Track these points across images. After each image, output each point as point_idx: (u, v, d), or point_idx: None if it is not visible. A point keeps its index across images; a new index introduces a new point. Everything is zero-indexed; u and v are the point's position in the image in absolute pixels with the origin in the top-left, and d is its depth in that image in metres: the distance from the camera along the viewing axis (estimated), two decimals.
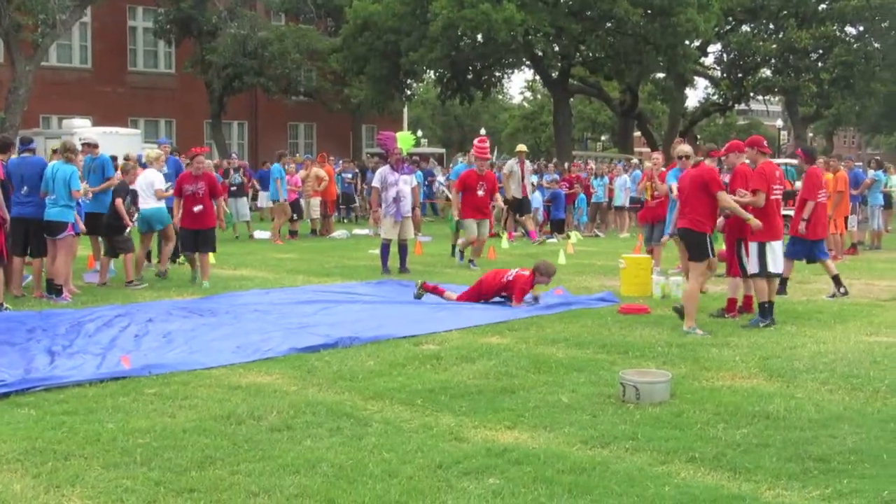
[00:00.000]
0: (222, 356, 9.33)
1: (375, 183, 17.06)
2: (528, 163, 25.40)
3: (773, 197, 11.21)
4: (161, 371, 8.66)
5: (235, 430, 6.85)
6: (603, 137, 79.81)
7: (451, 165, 44.73)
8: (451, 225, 20.04)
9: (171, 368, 8.78)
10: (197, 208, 14.62)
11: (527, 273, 12.78)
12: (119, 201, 14.60)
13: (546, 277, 12.77)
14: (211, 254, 15.19)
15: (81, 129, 33.70)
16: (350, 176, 32.20)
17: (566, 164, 34.29)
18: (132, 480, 5.79)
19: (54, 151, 15.04)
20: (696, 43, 43.00)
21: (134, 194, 15.29)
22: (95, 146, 15.77)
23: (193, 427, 6.88)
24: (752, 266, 11.28)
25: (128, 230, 14.78)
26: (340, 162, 34.32)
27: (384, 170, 16.82)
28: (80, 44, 47.71)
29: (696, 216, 10.95)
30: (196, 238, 14.78)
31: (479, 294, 13.03)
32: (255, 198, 31.24)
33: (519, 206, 24.02)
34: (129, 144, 32.98)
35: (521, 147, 25.00)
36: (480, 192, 17.39)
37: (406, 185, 16.52)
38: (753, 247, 11.22)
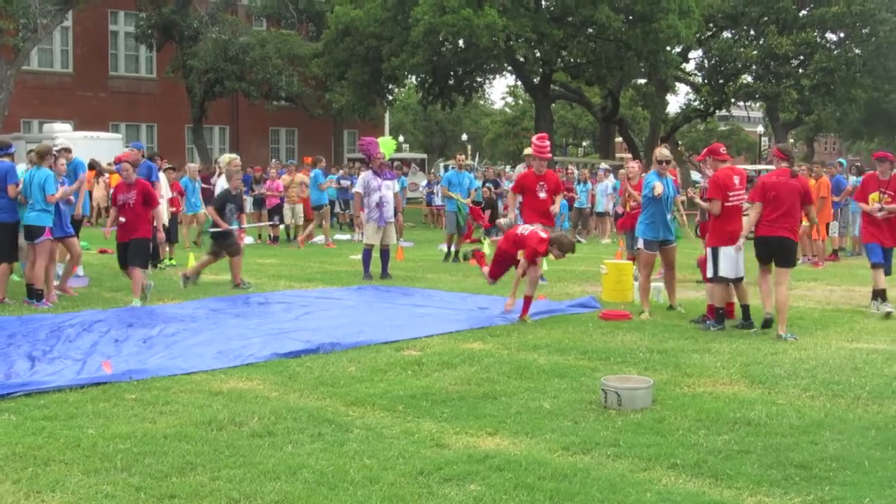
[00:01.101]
0: (203, 361, 9.30)
1: (358, 188, 17.04)
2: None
3: (728, 204, 11.35)
4: (142, 376, 8.62)
5: (216, 435, 6.83)
6: (584, 143, 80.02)
7: (432, 171, 44.82)
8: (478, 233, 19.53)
9: (152, 374, 8.73)
10: (121, 219, 13.56)
11: (544, 235, 12.32)
12: (211, 208, 15.24)
13: (560, 252, 12.09)
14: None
15: (62, 133, 33.57)
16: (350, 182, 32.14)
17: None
18: (113, 486, 5.76)
19: (29, 154, 14.92)
20: (678, 49, 43.12)
21: (237, 201, 15.75)
22: (69, 150, 15.65)
23: (174, 433, 6.86)
24: (708, 270, 11.66)
25: (233, 235, 15.30)
26: (341, 171, 34.12)
27: (367, 175, 16.80)
28: (62, 48, 47.60)
29: (795, 225, 11.29)
30: (125, 251, 13.59)
31: (505, 259, 12.81)
32: None
33: None
34: (111, 149, 32.91)
35: (530, 150, 24.43)
36: (542, 195, 15.47)
37: (389, 190, 16.51)
38: (708, 252, 11.62)
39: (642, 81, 48.25)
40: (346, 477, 5.93)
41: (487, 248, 20.40)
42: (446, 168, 43.12)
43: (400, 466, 6.15)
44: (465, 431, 6.97)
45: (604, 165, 32.63)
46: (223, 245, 15.20)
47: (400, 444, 6.65)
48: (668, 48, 39.85)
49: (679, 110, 55.41)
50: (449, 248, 20.41)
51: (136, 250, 13.38)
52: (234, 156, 16.66)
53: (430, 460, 6.27)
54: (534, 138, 16.32)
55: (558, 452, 6.49)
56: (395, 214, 17.12)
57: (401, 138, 68.93)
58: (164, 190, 17.61)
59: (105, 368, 8.74)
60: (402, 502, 5.53)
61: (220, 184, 15.62)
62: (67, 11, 40.01)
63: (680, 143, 57.28)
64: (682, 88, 55.72)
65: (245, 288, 14.82)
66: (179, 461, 6.22)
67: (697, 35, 41.86)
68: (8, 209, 13.28)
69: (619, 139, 55.27)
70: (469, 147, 71.40)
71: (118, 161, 15.24)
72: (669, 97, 54.79)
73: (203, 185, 24.60)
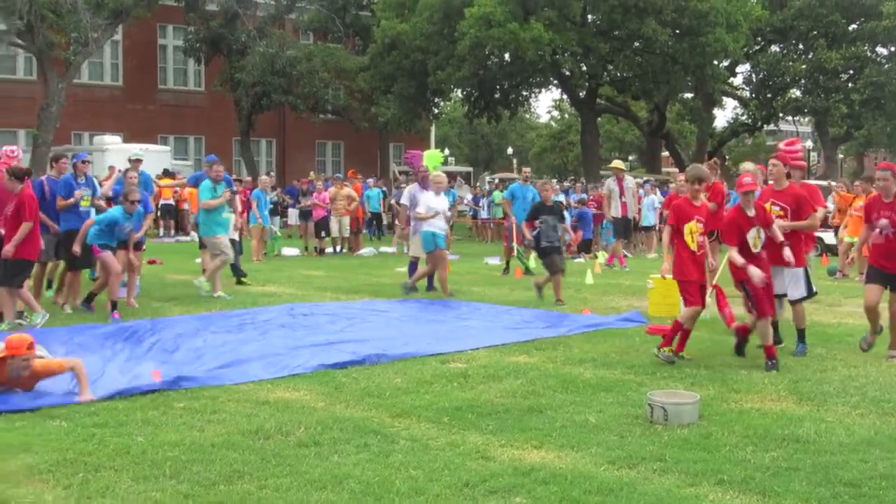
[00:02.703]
0: (250, 371, 9.38)
1: (404, 201, 17.09)
2: (629, 178, 23.48)
3: None
4: (190, 385, 8.71)
5: (263, 444, 6.88)
6: (630, 157, 79.70)
7: (477, 184, 44.78)
8: (521, 259, 19.43)
9: (200, 383, 8.82)
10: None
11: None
12: None
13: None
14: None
15: (112, 145, 34.03)
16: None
17: (587, 184, 34.21)
18: (161, 493, 5.82)
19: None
20: (725, 63, 42.91)
21: None
22: (139, 161, 15.88)
23: (222, 441, 6.92)
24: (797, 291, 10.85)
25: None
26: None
27: (413, 188, 16.85)
28: (112, 61, 48.18)
29: None
30: None
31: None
32: (284, 214, 31.43)
33: (622, 228, 22.72)
34: (159, 161, 33.29)
35: (618, 163, 23.71)
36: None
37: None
38: (801, 272, 10.86)
39: (689, 95, 48.07)
40: (392, 488, 5.95)
41: (533, 263, 20.38)
42: (492, 182, 43.15)
43: (445, 478, 6.15)
44: (510, 444, 6.97)
45: (650, 180, 32.50)
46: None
47: (445, 455, 6.66)
48: (716, 62, 39.68)
49: (726, 125, 55.14)
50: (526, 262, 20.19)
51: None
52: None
53: (476, 472, 6.27)
54: (782, 144, 13.02)
55: (604, 466, 6.47)
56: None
57: (446, 151, 69.02)
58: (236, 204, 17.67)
59: (154, 377, 8.83)
60: None
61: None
62: (118, 25, 40.53)
63: (727, 157, 56.86)
64: (730, 103, 55.28)
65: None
66: (227, 469, 6.27)
67: (745, 49, 41.66)
68: (74, 218, 13.56)
69: (665, 153, 55.01)
70: (515, 161, 71.35)
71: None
72: (716, 111, 54.50)
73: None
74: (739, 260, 9.77)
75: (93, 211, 14.29)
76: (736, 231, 9.93)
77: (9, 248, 12.19)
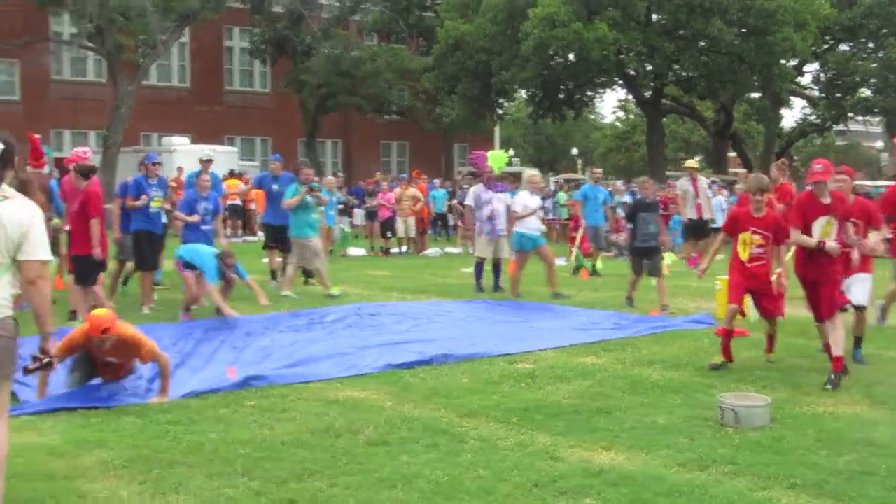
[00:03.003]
0: (319, 370, 9.45)
1: (469, 201, 17.11)
2: (702, 179, 22.76)
3: None
4: (260, 384, 8.80)
5: (333, 443, 6.93)
6: (696, 157, 78.97)
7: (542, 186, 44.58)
8: (578, 260, 19.27)
9: (270, 381, 8.91)
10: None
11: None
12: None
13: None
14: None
15: (180, 146, 34.43)
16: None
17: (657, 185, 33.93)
18: (234, 489, 5.89)
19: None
20: (793, 62, 42.35)
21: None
22: (210, 161, 16.08)
23: (292, 439, 6.99)
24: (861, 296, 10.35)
25: None
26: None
27: (478, 188, 16.86)
28: (179, 63, 48.75)
29: None
30: None
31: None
32: (350, 215, 31.59)
33: (695, 229, 22.01)
34: (227, 161, 33.63)
35: (692, 162, 23.23)
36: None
37: (501, 202, 16.52)
38: (869, 277, 10.53)
39: (756, 95, 47.50)
40: (462, 487, 5.96)
41: (601, 264, 20.30)
42: (556, 182, 43.01)
43: (515, 478, 6.16)
44: (579, 445, 6.95)
45: (717, 180, 32.17)
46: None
47: (514, 456, 6.66)
48: (783, 61, 39.16)
49: (794, 125, 54.41)
50: (593, 263, 20.08)
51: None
52: None
53: (545, 473, 6.27)
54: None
55: (674, 469, 6.43)
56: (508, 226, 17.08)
57: (511, 152, 68.92)
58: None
59: (229, 375, 8.93)
60: None
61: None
62: (185, 28, 41.00)
63: (795, 158, 56.17)
64: (798, 102, 54.54)
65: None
66: (298, 467, 6.33)
67: (813, 48, 41.06)
68: (143, 219, 13.77)
69: (732, 154, 54.45)
70: (580, 161, 71.07)
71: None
72: (784, 111, 53.79)
73: None
74: (807, 240, 9.25)
75: (163, 213, 14.47)
76: (799, 213, 9.42)
77: (97, 249, 12.43)
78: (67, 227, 13.41)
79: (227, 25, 48.57)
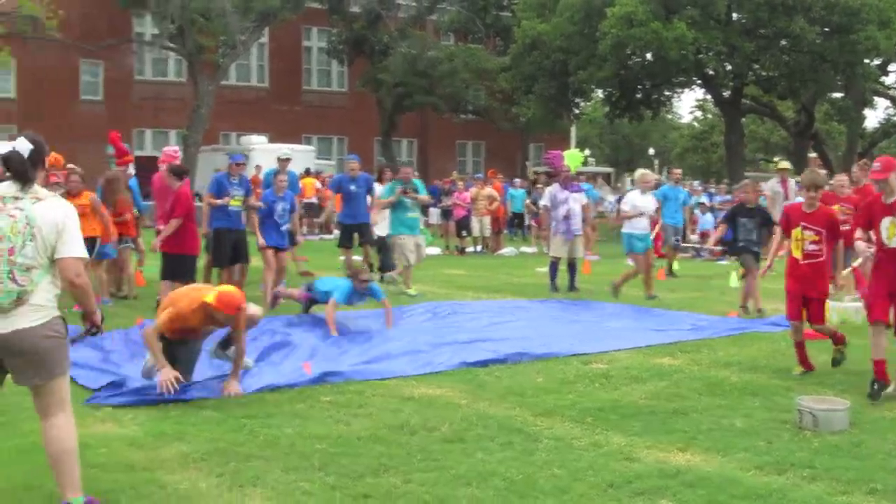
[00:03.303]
0: (395, 367, 9.50)
1: (545, 201, 17.08)
2: (791, 181, 21.60)
3: None
4: (336, 380, 8.87)
5: (408, 439, 6.97)
6: (776, 158, 77.98)
7: (618, 184, 44.42)
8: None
9: (346, 377, 8.98)
10: None
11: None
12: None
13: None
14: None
15: (259, 145, 34.82)
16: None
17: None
18: (310, 483, 5.96)
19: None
20: (877, 61, 41.60)
21: None
22: (288, 160, 16.29)
23: (368, 435, 7.04)
24: None
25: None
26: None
27: (554, 188, 16.83)
28: (258, 63, 49.30)
29: None
30: None
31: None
32: (426, 214, 31.66)
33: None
34: (304, 160, 33.94)
35: (784, 164, 22.54)
36: None
37: (576, 202, 16.47)
38: None
39: (838, 95, 46.73)
40: (536, 486, 5.96)
41: (677, 265, 20.14)
42: (633, 182, 42.73)
43: (590, 478, 6.14)
44: (655, 446, 6.91)
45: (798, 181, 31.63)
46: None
47: (589, 455, 6.64)
48: (867, 60, 38.49)
49: (878, 125, 53.47)
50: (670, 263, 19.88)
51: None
52: None
53: (620, 473, 6.24)
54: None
55: (751, 472, 6.36)
56: (584, 226, 17.02)
57: (587, 152, 68.53)
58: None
59: (305, 370, 9.02)
60: None
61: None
62: (264, 28, 41.48)
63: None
64: (882, 102, 53.60)
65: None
66: (373, 463, 6.38)
67: None
68: (223, 217, 13.98)
69: (812, 155, 53.67)
70: (656, 161, 70.53)
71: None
72: (867, 111, 52.94)
73: None
74: (859, 244, 8.97)
75: (242, 212, 14.66)
76: (863, 213, 9.15)
77: (156, 242, 12.89)
78: (160, 226, 13.75)
79: (305, 25, 48.99)
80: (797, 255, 9.59)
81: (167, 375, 7.82)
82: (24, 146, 5.32)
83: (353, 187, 16.81)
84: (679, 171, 22.77)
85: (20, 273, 5.15)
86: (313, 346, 10.54)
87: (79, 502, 5.37)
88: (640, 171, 16.31)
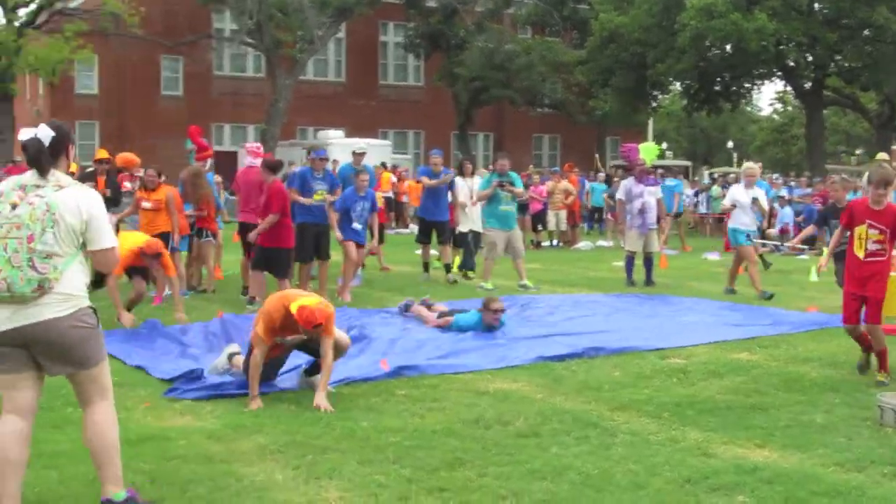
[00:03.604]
0: (470, 362, 9.50)
1: (620, 195, 16.99)
2: None
3: None
4: (411, 374, 8.91)
5: (483, 433, 6.98)
6: (858, 151, 76.68)
7: (696, 178, 43.97)
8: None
9: (421, 371, 9.02)
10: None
11: None
12: None
13: None
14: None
15: (336, 139, 35.09)
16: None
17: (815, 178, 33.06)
18: (385, 476, 5.99)
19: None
20: None
21: None
22: (363, 154, 16.39)
23: (442, 429, 7.05)
24: None
25: None
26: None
27: (629, 182, 16.73)
28: (335, 58, 49.68)
29: None
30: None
31: None
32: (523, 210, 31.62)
33: None
34: (380, 155, 34.12)
35: (883, 156, 21.32)
36: None
37: (651, 196, 16.35)
38: None
39: None
40: (612, 481, 5.94)
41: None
42: (711, 175, 42.29)
43: (666, 473, 6.10)
44: (732, 442, 6.84)
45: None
46: None
47: (666, 451, 6.60)
48: None
49: None
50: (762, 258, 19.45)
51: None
52: None
53: (697, 469, 6.19)
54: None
55: (831, 468, 6.27)
56: (659, 221, 16.86)
57: (664, 145, 67.96)
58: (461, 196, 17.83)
59: (382, 366, 9.08)
60: None
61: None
62: (341, 23, 41.80)
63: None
64: None
65: None
66: (448, 456, 6.39)
67: None
68: (305, 211, 14.14)
69: (882, 155, 52.69)
70: (735, 155, 69.72)
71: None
72: None
73: None
74: None
75: (326, 207, 14.78)
76: (848, 215, 9.02)
77: (252, 235, 13.12)
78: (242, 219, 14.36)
79: (381, 20, 49.26)
80: (859, 253, 9.04)
81: (255, 405, 7.77)
82: (45, 133, 5.23)
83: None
84: (759, 164, 22.35)
85: (40, 261, 5.03)
86: (390, 340, 10.58)
87: (120, 497, 5.32)
88: (746, 165, 15.89)
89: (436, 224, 16.89)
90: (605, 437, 6.90)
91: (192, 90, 45.92)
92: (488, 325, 11.06)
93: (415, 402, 7.91)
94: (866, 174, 9.29)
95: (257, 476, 6.02)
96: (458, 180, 17.62)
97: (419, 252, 17.85)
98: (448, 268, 16.81)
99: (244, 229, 14.42)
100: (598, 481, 5.92)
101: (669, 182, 27.73)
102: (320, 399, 7.72)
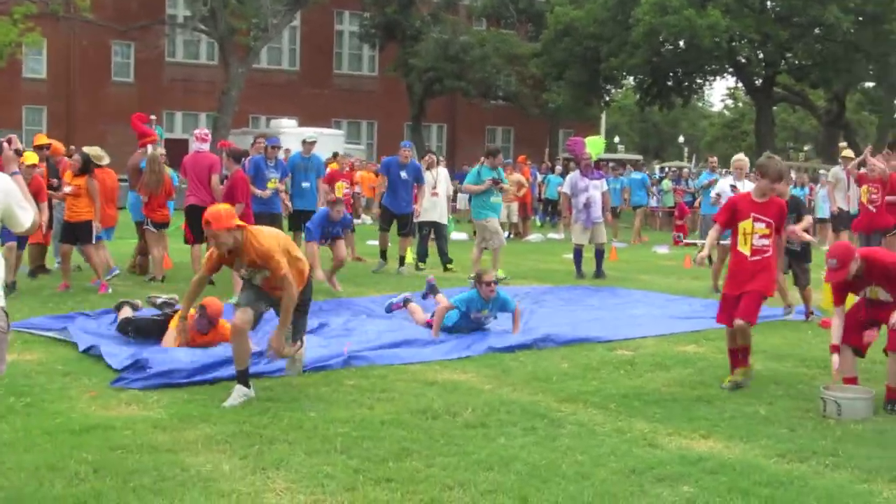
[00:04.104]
0: (420, 353, 9.51)
1: (566, 189, 17.05)
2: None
3: None
4: (360, 363, 8.91)
5: (431, 424, 6.99)
6: (806, 147, 77.53)
7: (648, 173, 44.18)
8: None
9: (370, 361, 9.02)
10: None
11: None
12: None
13: None
14: None
15: (288, 129, 34.92)
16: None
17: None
18: (332, 467, 5.98)
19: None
20: None
21: None
22: (312, 143, 16.37)
23: (391, 419, 7.06)
24: None
25: None
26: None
27: (574, 175, 16.82)
28: (290, 47, 49.45)
29: None
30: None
31: None
32: (454, 199, 31.64)
33: (844, 220, 19.61)
34: (333, 144, 34.01)
35: (848, 152, 20.54)
36: None
37: (596, 190, 16.44)
38: None
39: (870, 84, 46.44)
40: (559, 471, 5.98)
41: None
42: (662, 169, 42.61)
43: (612, 464, 6.15)
44: (677, 433, 6.91)
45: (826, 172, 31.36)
46: None
47: (612, 441, 6.65)
48: None
49: None
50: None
51: None
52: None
53: (643, 459, 6.25)
54: None
55: (774, 459, 6.36)
56: (604, 213, 16.82)
57: (616, 139, 68.34)
58: (440, 187, 17.80)
59: (345, 351, 9.10)
60: (614, 499, 5.53)
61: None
62: (296, 11, 41.55)
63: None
64: None
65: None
66: (396, 447, 6.40)
67: None
68: (260, 201, 14.15)
69: (843, 144, 53.31)
70: (686, 149, 70.26)
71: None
72: None
73: None
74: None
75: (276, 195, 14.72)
76: (728, 209, 8.64)
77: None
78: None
79: (337, 9, 49.10)
80: (745, 250, 8.45)
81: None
82: None
83: (402, 174, 16.58)
84: (715, 158, 22.56)
85: None
86: (348, 332, 10.45)
87: None
88: (735, 157, 15.72)
89: (400, 216, 16.72)
90: (551, 428, 6.94)
91: (143, 76, 45.50)
92: (485, 297, 10.67)
93: (363, 393, 7.91)
94: (757, 164, 8.75)
95: (204, 466, 5.98)
96: (427, 174, 17.46)
97: (375, 242, 17.77)
98: (402, 260, 16.76)
99: (194, 212, 14.11)
100: (544, 472, 5.95)
101: (635, 175, 27.97)
102: (275, 337, 7.67)
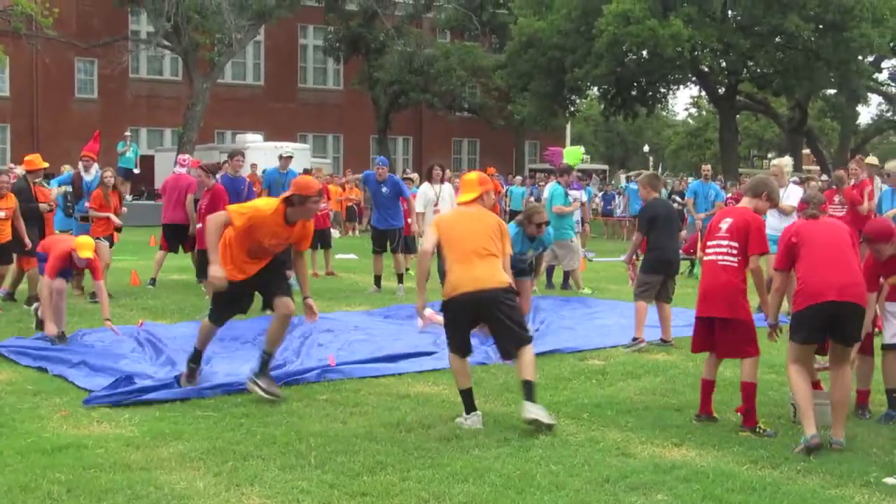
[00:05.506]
0: (392, 365, 9.50)
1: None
2: (877, 179, 17.77)
3: None
4: (333, 377, 8.91)
5: (405, 437, 7.01)
6: (770, 155, 78.10)
7: (612, 182, 44.41)
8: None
9: (344, 375, 9.01)
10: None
11: None
12: None
13: None
14: None
15: (254, 143, 34.82)
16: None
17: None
18: (307, 482, 5.98)
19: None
20: (870, 58, 41.73)
21: None
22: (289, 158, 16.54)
23: (364, 433, 7.07)
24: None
25: None
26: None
27: (551, 186, 16.85)
28: (254, 61, 49.33)
29: None
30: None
31: None
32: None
33: None
34: (300, 159, 33.92)
35: (871, 159, 18.17)
36: None
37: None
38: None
39: (832, 92, 46.88)
40: (533, 482, 6.01)
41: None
42: (628, 179, 42.78)
43: (585, 474, 6.18)
44: (650, 441, 6.96)
45: (793, 178, 31.56)
46: None
47: (585, 451, 6.68)
48: (861, 57, 38.64)
49: (871, 121, 53.64)
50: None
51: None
52: None
53: (616, 469, 6.29)
54: None
55: (746, 466, 6.42)
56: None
57: (581, 149, 68.44)
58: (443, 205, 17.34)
59: (330, 362, 9.11)
60: None
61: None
62: (260, 26, 41.47)
63: (871, 155, 55.26)
64: (875, 99, 53.74)
65: None
66: (370, 461, 6.41)
67: (891, 44, 40.44)
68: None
69: (806, 151, 53.79)
70: (651, 158, 70.59)
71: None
72: (861, 108, 53.08)
73: None
74: None
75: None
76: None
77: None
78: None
79: (301, 24, 49.02)
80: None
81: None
82: None
83: (384, 190, 15.83)
84: (708, 167, 22.10)
85: None
86: (322, 347, 10.39)
87: None
88: (774, 162, 15.38)
89: (389, 232, 16.12)
90: (525, 439, 6.97)
91: (107, 93, 45.26)
92: (530, 236, 10.85)
93: (336, 407, 7.91)
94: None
95: (177, 484, 5.97)
96: (425, 186, 16.81)
97: (346, 256, 17.69)
98: (400, 278, 15.87)
99: (172, 230, 15.20)
100: (518, 483, 5.98)
101: (633, 186, 28.03)
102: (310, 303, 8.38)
